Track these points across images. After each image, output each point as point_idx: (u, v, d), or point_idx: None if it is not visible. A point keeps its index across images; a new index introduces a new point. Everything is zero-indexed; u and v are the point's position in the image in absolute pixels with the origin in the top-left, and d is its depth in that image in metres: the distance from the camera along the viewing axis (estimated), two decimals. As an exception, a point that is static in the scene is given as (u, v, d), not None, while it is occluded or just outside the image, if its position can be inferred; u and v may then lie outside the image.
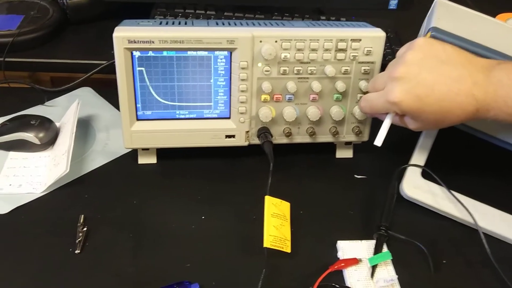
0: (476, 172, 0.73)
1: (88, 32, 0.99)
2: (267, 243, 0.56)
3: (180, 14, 0.96)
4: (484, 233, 0.61)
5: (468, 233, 0.63)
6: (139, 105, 0.67)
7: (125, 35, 0.62)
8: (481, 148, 0.69)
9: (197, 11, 0.96)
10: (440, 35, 0.62)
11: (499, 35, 0.72)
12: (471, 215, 0.62)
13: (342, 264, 0.57)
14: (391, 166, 0.72)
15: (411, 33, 0.90)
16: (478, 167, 0.74)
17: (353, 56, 0.66)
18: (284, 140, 0.71)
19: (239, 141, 0.70)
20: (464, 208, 0.63)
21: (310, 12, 0.99)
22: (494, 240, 0.63)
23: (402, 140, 0.80)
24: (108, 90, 0.87)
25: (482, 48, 0.61)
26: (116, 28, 0.63)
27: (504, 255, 0.60)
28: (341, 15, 0.99)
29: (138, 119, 0.68)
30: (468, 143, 0.71)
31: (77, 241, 0.59)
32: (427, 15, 0.79)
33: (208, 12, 0.96)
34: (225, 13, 0.97)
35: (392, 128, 0.82)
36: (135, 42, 0.62)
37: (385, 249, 0.59)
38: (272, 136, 0.69)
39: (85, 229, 0.61)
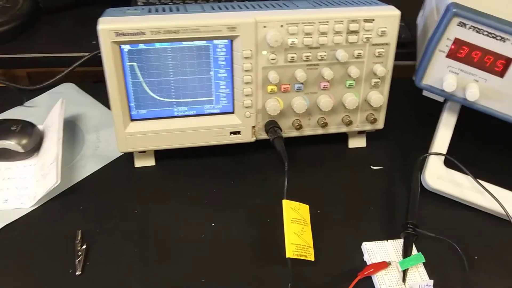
0: (503, 158, 0.69)
1: (65, 20, 0.90)
2: (290, 253, 0.51)
3: (164, -4, 0.88)
4: (515, 223, 0.57)
5: (499, 224, 0.59)
6: (132, 104, 0.61)
7: (112, 27, 0.55)
8: (508, 131, 0.64)
9: (183, -8, 0.89)
10: (463, 12, 0.56)
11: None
12: (501, 205, 0.58)
13: (372, 270, 0.52)
14: (407, 154, 0.68)
15: (414, 8, 0.84)
16: (505, 152, 0.70)
17: (366, 38, 0.60)
18: (294, 133, 0.65)
19: (245, 137, 0.64)
20: (493, 197, 0.59)
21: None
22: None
23: (417, 125, 0.75)
24: (93, 85, 0.80)
25: (511, 25, 0.55)
26: (100, 19, 0.56)
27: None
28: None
29: (132, 120, 0.61)
30: (492, 127, 0.66)
31: (76, 261, 0.53)
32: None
33: (195, -7, 0.89)
34: (214, -7, 0.89)
35: (406, 112, 0.77)
36: (123, 34, 0.55)
37: (415, 250, 0.55)
38: (281, 130, 0.63)
39: (84, 246, 0.55)
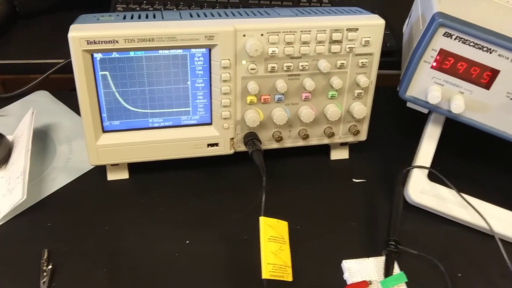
0: (488, 171, 0.67)
1: (41, 26, 0.88)
2: (266, 273, 0.48)
3: (145, 1, 0.85)
4: (501, 240, 0.55)
5: (483, 240, 0.57)
6: (104, 115, 0.58)
7: (82, 35, 0.52)
8: (494, 144, 0.63)
9: (164, -3, 0.86)
10: (449, 22, 0.54)
11: (504, 16, 0.66)
12: (485, 220, 0.56)
13: (352, 290, 0.50)
14: (391, 166, 0.66)
15: (399, 14, 0.83)
16: (490, 165, 0.68)
17: (349, 48, 0.58)
18: (274, 145, 0.63)
19: (224, 149, 0.61)
20: (477, 212, 0.57)
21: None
22: (509, 245, 0.57)
23: (402, 137, 0.73)
24: (69, 93, 0.77)
25: (502, 38, 0.54)
26: (72, 27, 0.53)
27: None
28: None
29: (104, 131, 0.59)
30: (478, 139, 0.64)
31: (41, 282, 0.50)
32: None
33: (176, -2, 0.86)
34: (196, -1, 0.87)
35: (390, 123, 0.76)
36: (95, 42, 0.53)
37: (397, 268, 0.53)
38: (261, 143, 0.60)
39: (50, 266, 0.51)
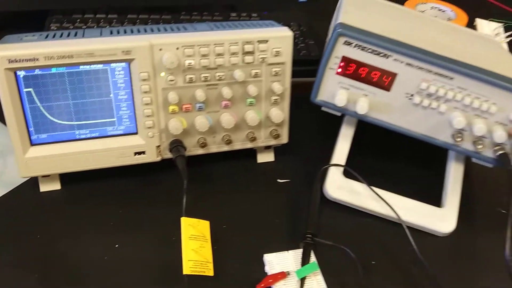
0: (399, 166, 0.73)
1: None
2: (187, 269, 0.52)
3: (78, 20, 0.88)
4: (409, 227, 0.60)
5: (394, 229, 0.62)
6: (31, 129, 0.60)
7: (4, 54, 0.55)
8: (404, 142, 0.69)
9: (98, 15, 0.89)
10: (347, 31, 0.60)
11: (413, 25, 0.72)
12: (393, 209, 0.62)
13: (270, 281, 0.54)
14: (312, 166, 0.70)
15: (326, 25, 0.88)
16: (401, 161, 0.74)
17: (261, 58, 0.63)
18: (200, 151, 0.66)
19: (150, 157, 0.65)
20: (386, 203, 0.62)
21: (221, 9, 0.95)
22: (420, 234, 0.62)
23: (324, 138, 0.78)
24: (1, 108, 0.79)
25: (396, 44, 0.59)
26: (-6, 46, 0.56)
27: (431, 248, 0.60)
28: (252, 10, 0.96)
29: (32, 144, 0.61)
30: (389, 138, 0.70)
31: (-29, 292, 0.52)
32: (337, 7, 0.78)
33: (109, 16, 0.89)
34: (129, 16, 0.90)
35: (313, 126, 0.81)
36: (16, 61, 0.55)
37: (313, 258, 0.57)
38: (185, 149, 0.64)
39: (-21, 277, 0.53)
